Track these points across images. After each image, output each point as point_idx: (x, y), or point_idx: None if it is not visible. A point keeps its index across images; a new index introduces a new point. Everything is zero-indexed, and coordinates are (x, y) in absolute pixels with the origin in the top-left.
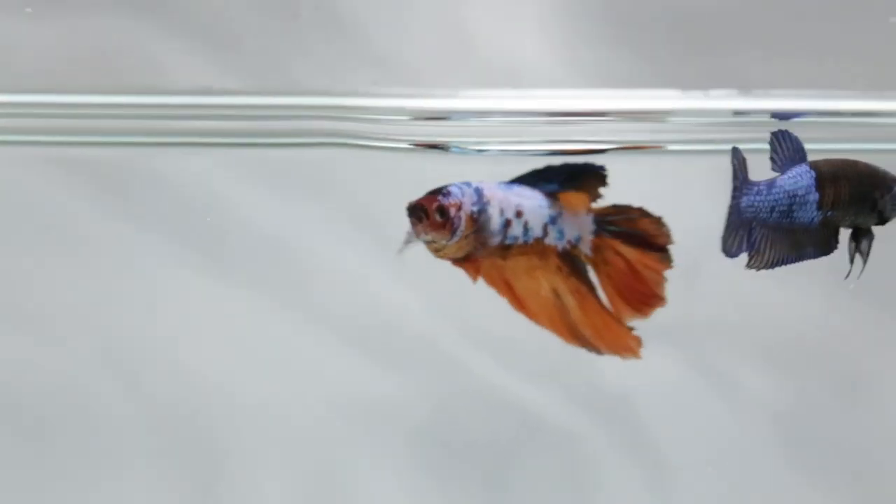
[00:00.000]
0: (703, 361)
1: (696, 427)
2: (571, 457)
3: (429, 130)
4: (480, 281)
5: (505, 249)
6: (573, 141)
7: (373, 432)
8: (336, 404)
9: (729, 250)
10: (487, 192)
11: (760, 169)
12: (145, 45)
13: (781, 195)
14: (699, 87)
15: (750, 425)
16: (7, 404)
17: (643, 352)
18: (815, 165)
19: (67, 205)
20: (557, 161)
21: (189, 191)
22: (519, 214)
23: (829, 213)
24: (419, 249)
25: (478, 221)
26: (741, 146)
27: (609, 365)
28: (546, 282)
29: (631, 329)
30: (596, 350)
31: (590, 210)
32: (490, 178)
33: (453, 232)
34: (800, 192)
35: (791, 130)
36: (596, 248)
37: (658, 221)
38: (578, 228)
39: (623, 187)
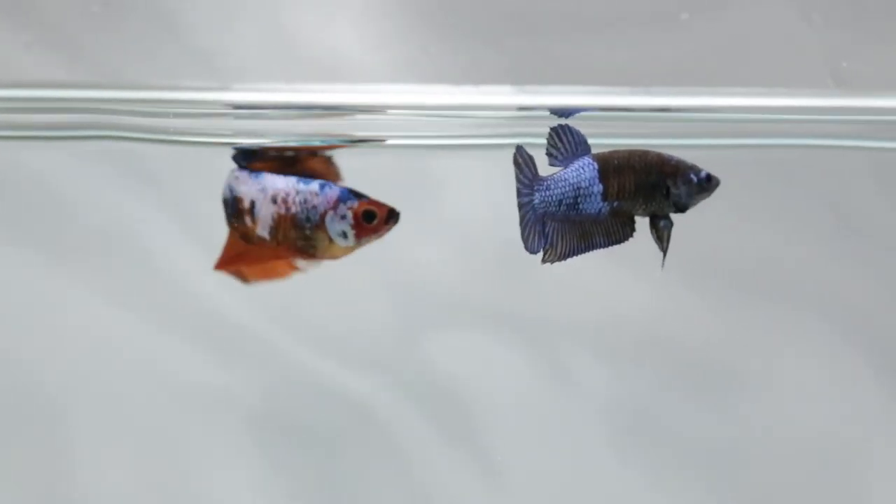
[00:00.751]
0: (538, 352)
1: (526, 415)
2: (400, 443)
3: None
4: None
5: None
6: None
7: (208, 418)
8: (173, 392)
9: (531, 247)
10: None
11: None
12: None
13: (567, 188)
14: (494, 82)
15: (583, 415)
16: None
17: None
18: (598, 157)
19: None
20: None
21: (22, 185)
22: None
23: (616, 204)
24: None
25: None
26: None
27: (439, 356)
28: None
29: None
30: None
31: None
32: None
33: None
34: (584, 184)
35: (573, 125)
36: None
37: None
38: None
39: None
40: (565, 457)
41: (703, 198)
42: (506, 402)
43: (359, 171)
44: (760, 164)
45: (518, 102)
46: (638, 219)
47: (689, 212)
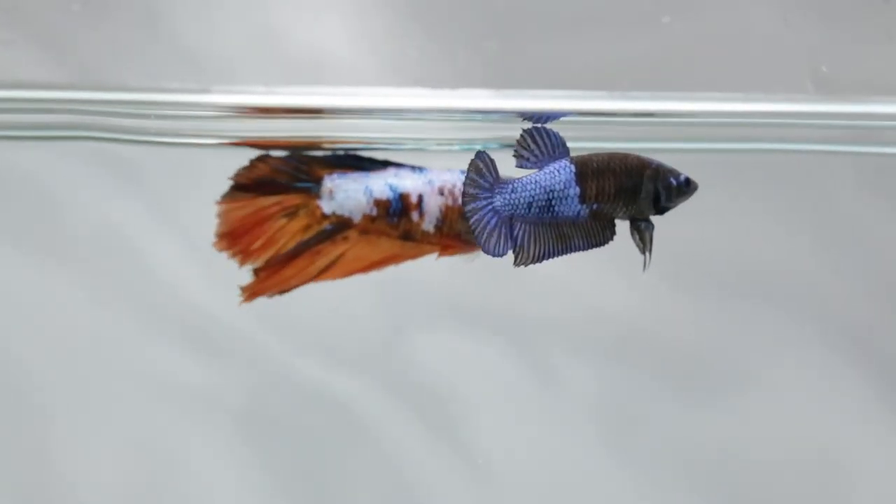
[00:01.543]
0: (522, 351)
1: (512, 415)
2: (386, 442)
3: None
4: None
5: None
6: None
7: (195, 417)
8: (160, 391)
9: (493, 250)
10: None
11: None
12: None
13: (538, 191)
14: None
15: (567, 414)
16: None
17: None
18: (576, 160)
19: None
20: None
21: (4, 185)
22: None
23: (596, 206)
24: None
25: None
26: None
27: (425, 355)
28: None
29: None
30: None
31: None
32: None
33: None
34: (558, 187)
35: (553, 127)
36: None
37: None
38: None
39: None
40: (549, 454)
41: (683, 201)
42: (490, 401)
43: None
44: (743, 168)
45: (497, 106)
46: (619, 221)
47: (670, 214)
